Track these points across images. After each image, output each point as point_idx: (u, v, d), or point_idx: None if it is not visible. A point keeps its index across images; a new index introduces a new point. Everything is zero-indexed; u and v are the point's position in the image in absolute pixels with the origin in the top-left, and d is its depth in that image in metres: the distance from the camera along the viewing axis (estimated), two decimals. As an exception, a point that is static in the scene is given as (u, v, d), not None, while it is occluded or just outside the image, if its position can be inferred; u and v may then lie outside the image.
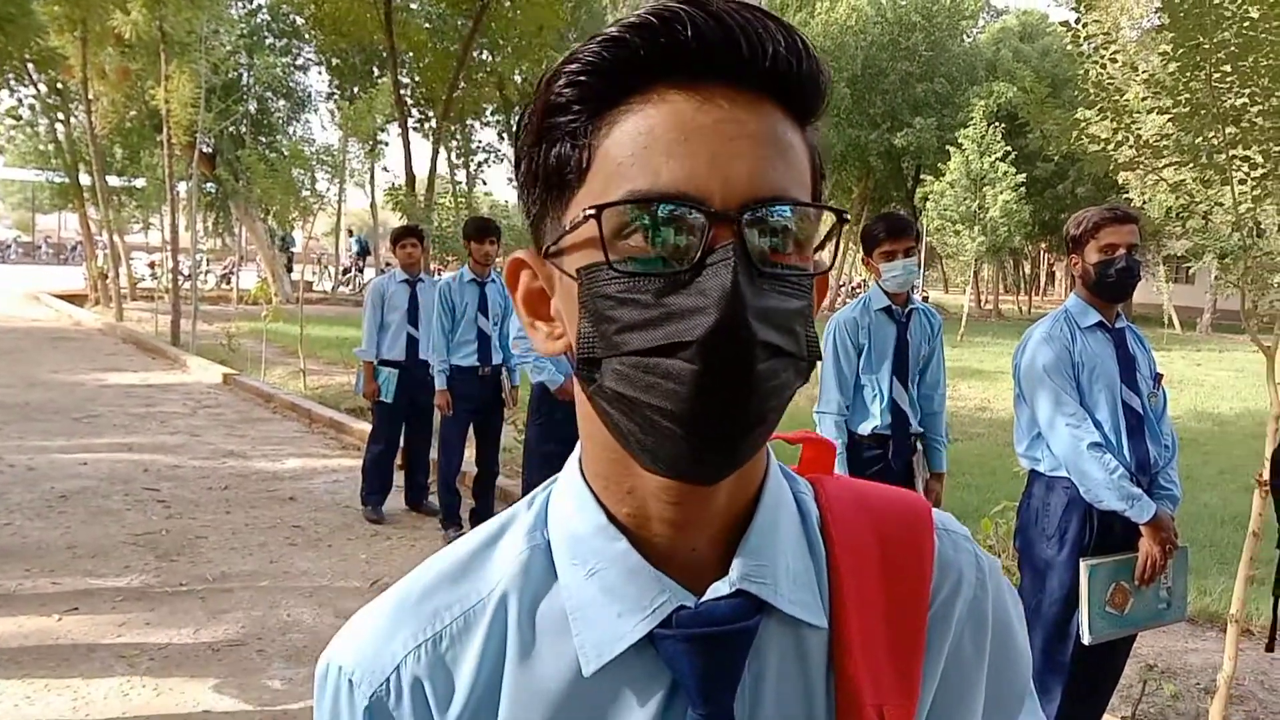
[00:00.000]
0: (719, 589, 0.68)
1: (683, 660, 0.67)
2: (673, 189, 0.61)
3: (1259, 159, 3.53)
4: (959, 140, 25.79)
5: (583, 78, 0.65)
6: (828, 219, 0.72)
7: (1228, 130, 3.54)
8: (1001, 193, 24.88)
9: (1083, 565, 3.06)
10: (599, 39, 0.64)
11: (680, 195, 0.61)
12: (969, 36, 36.23)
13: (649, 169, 0.62)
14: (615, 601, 0.68)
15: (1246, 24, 3.35)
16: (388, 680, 0.71)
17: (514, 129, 0.73)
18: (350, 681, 0.73)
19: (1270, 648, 3.17)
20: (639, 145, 0.63)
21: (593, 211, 0.62)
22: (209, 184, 25.34)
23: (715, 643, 0.67)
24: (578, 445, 0.75)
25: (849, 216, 0.69)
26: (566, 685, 0.69)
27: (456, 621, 0.72)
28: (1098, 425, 3.14)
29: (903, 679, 0.72)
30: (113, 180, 22.76)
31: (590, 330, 0.64)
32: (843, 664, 0.71)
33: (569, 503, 0.73)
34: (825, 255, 0.76)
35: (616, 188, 0.63)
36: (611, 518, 0.71)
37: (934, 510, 0.80)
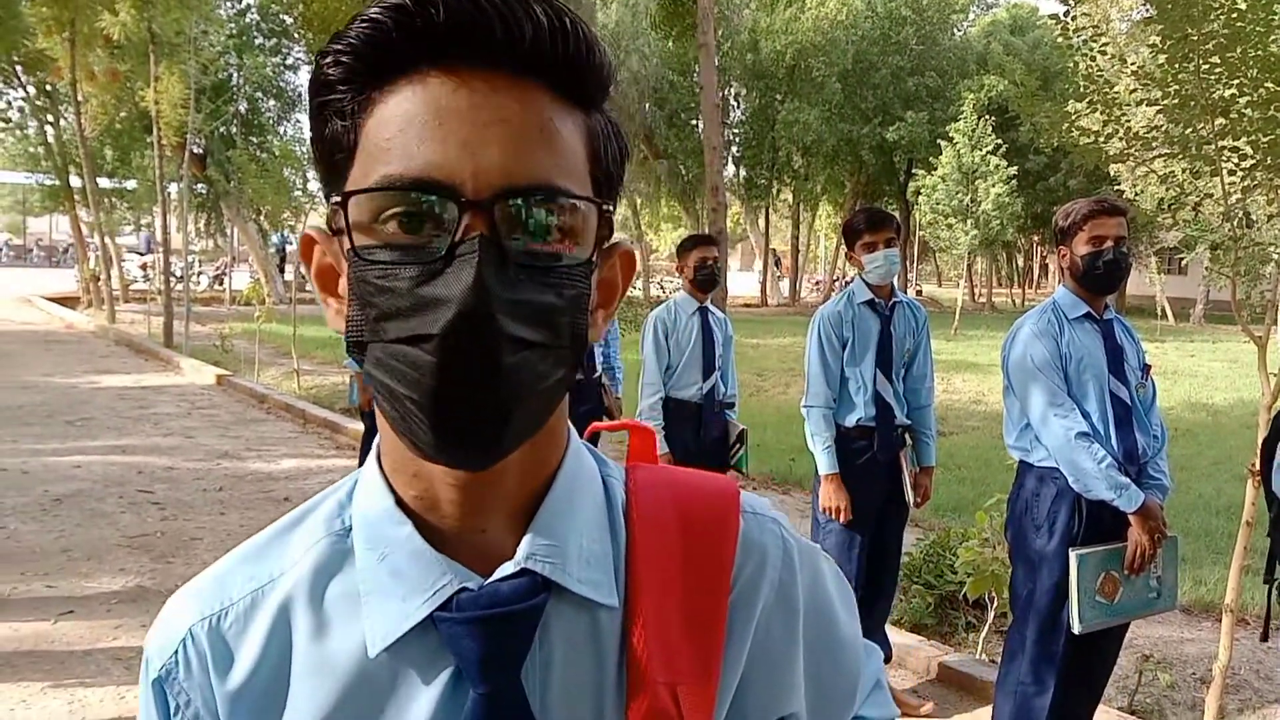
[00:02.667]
0: (505, 569, 0.69)
1: (462, 641, 0.67)
2: (424, 175, 0.61)
3: (1248, 150, 3.55)
4: (950, 134, 25.78)
5: (345, 58, 0.64)
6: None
7: (1217, 121, 3.55)
8: (993, 186, 24.90)
9: (1072, 555, 3.07)
10: (361, 18, 0.64)
11: (431, 182, 0.61)
12: (959, 30, 36.21)
13: (404, 153, 0.62)
14: (401, 584, 0.69)
15: (1234, 15, 3.36)
16: (175, 653, 0.73)
17: None
18: (147, 660, 0.76)
19: (1265, 637, 3.19)
20: (396, 128, 0.63)
21: (339, 199, 0.63)
22: (200, 185, 25.28)
23: (495, 623, 0.67)
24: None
25: (611, 209, 0.68)
26: (354, 665, 0.69)
27: (244, 600, 0.73)
28: (1086, 416, 3.15)
29: (701, 659, 0.72)
30: (103, 182, 22.70)
31: (357, 314, 0.65)
32: (633, 642, 0.71)
33: (365, 487, 0.74)
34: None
35: (375, 171, 0.63)
36: (401, 501, 0.71)
37: (744, 494, 0.80)
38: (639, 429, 0.88)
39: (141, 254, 28.77)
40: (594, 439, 0.85)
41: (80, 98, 18.47)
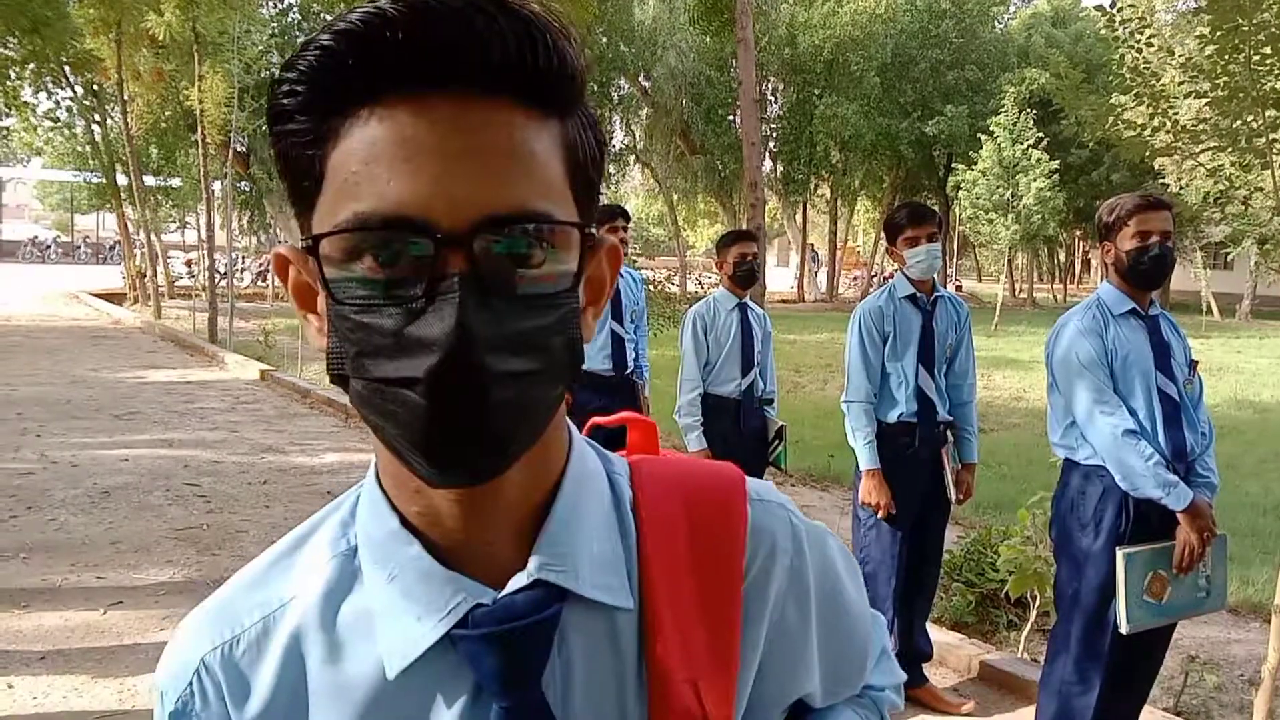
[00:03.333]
0: (517, 581, 0.68)
1: (481, 657, 0.67)
2: (396, 212, 0.59)
3: (1299, 142, 3.49)
4: (991, 128, 25.53)
5: (300, 87, 0.61)
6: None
7: (1268, 113, 3.49)
8: (1035, 180, 24.62)
9: (1119, 553, 3.03)
10: (313, 46, 0.61)
11: (405, 219, 0.58)
12: (1000, 23, 35.82)
13: (374, 189, 0.59)
14: (413, 604, 0.68)
15: (1286, 5, 3.31)
16: (189, 685, 0.72)
17: None
18: (161, 693, 0.75)
19: None
20: (363, 162, 0.60)
21: (309, 242, 0.62)
22: (243, 182, 25.60)
23: (512, 637, 0.66)
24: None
25: (594, 231, 0.66)
26: (373, 688, 0.69)
27: (255, 626, 0.72)
28: (1132, 413, 3.11)
29: (718, 652, 0.72)
30: (149, 180, 23.06)
31: (336, 347, 0.63)
32: (651, 642, 0.71)
33: (367, 506, 0.73)
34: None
35: (344, 206, 0.60)
36: (405, 520, 0.70)
37: (749, 480, 0.79)
38: (638, 422, 0.87)
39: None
40: (594, 434, 0.84)
41: (126, 97, 18.80)
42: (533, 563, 0.68)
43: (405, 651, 0.68)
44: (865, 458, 3.90)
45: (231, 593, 0.75)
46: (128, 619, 4.73)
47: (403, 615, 0.68)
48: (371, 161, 0.59)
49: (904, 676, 0.94)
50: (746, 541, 0.75)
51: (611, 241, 0.72)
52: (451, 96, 0.60)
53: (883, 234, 4.11)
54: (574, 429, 0.76)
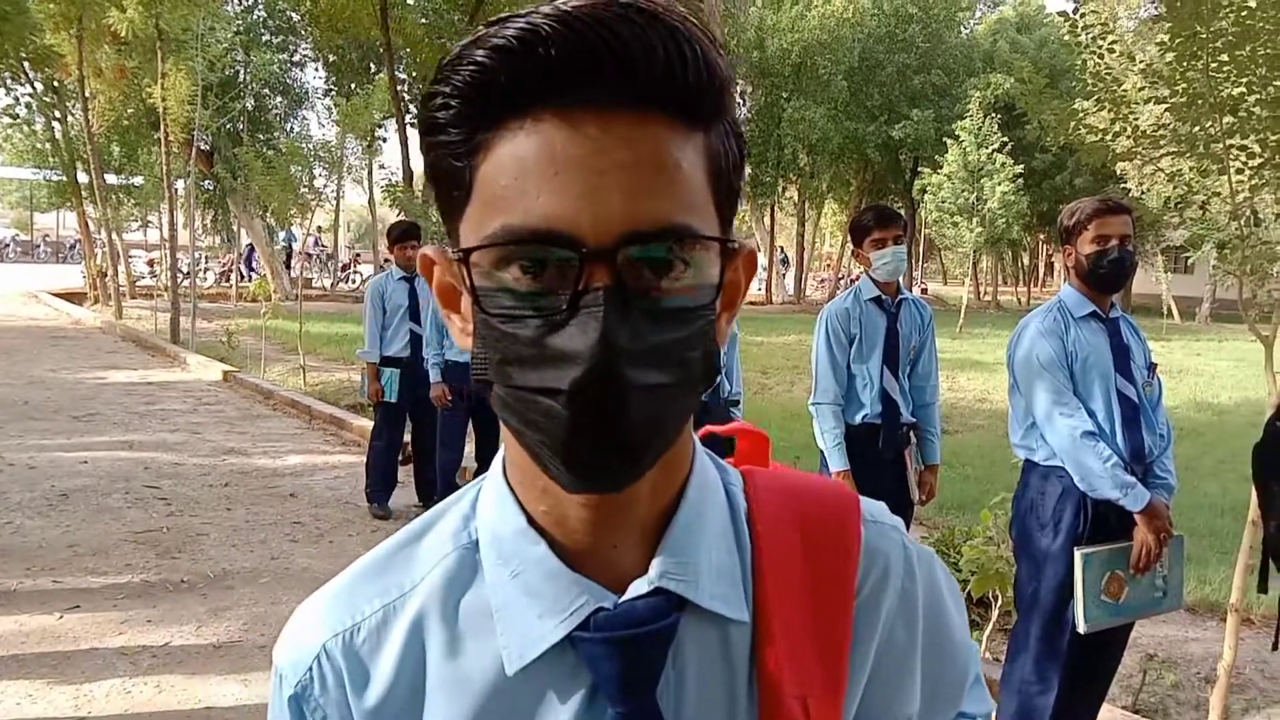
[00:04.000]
0: (638, 588, 0.69)
1: (601, 661, 0.68)
2: (544, 226, 0.60)
3: (1256, 148, 3.54)
4: (956, 132, 25.75)
5: (454, 101, 0.63)
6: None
7: (1225, 120, 3.54)
8: (999, 184, 24.86)
9: (1077, 554, 3.07)
10: (466, 61, 0.62)
11: (552, 233, 0.60)
12: (966, 28, 36.17)
13: (522, 202, 0.61)
14: (536, 603, 0.69)
15: (1244, 13, 3.36)
16: (309, 670, 0.74)
17: None
18: (280, 676, 0.76)
19: (1276, 646, 3.16)
20: (512, 175, 0.61)
21: (460, 255, 0.63)
22: (207, 181, 25.32)
23: (632, 643, 0.67)
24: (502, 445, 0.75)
25: (736, 244, 0.67)
26: (491, 683, 0.70)
27: (375, 614, 0.73)
28: (1092, 415, 3.14)
29: (828, 669, 0.72)
30: (110, 178, 22.74)
31: (481, 354, 0.65)
32: (763, 656, 0.71)
33: (493, 503, 0.74)
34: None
35: (493, 219, 0.62)
36: (531, 519, 0.71)
37: (863, 500, 0.80)
38: (750, 432, 0.87)
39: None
40: (706, 441, 0.83)
41: (88, 94, 18.52)
42: (654, 569, 0.69)
43: (526, 649, 0.69)
44: (835, 459, 3.92)
45: (351, 580, 0.77)
46: (84, 623, 4.65)
47: (525, 612, 0.69)
48: (521, 176, 0.61)
49: (993, 705, 0.94)
50: (860, 561, 0.76)
51: (750, 247, 0.73)
52: (600, 110, 0.60)
53: (849, 236, 4.13)
54: (696, 438, 0.76)
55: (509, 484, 0.73)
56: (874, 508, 0.80)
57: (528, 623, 0.69)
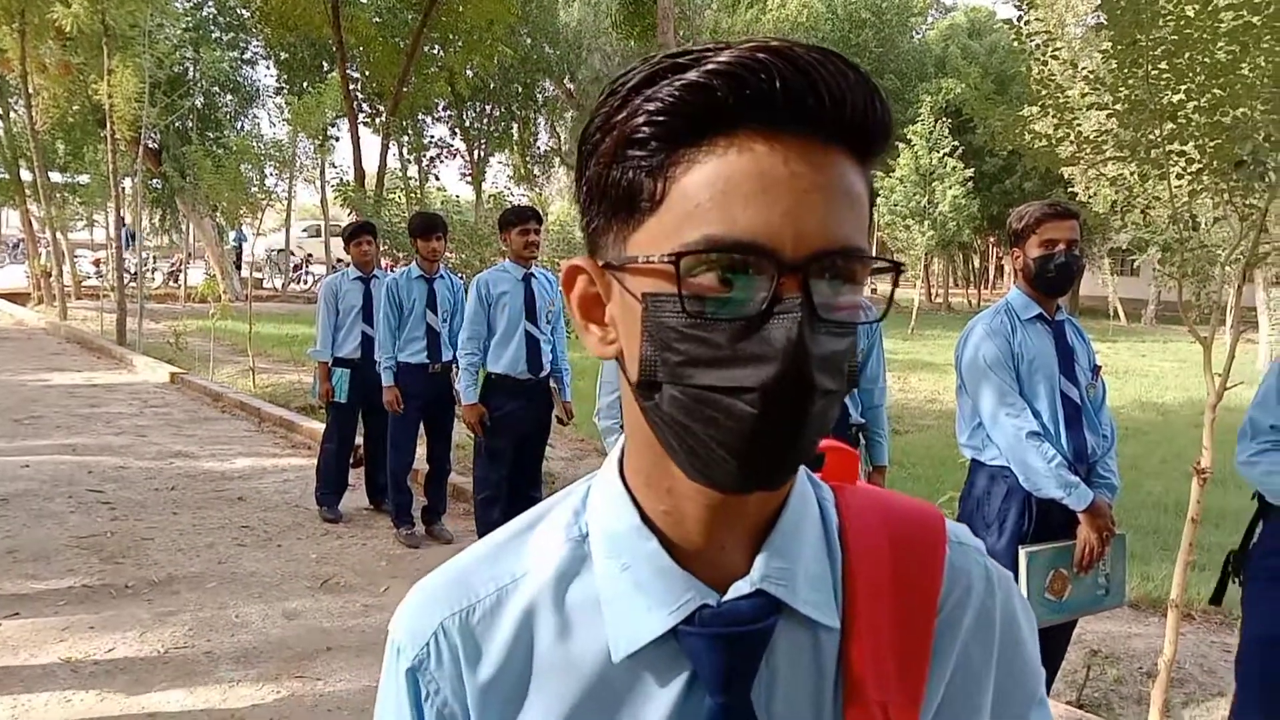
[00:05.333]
0: (740, 588, 0.73)
1: (703, 655, 0.72)
2: (748, 238, 0.64)
3: (1195, 154, 3.61)
4: (908, 136, 26.03)
5: (663, 118, 0.66)
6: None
7: (1165, 126, 3.61)
8: (950, 188, 25.16)
9: (1021, 553, 3.11)
10: (680, 83, 0.66)
11: (756, 245, 0.64)
12: (918, 33, 36.58)
13: (726, 215, 0.65)
14: (645, 596, 0.74)
15: (1182, 22, 3.42)
16: (426, 645, 0.79)
17: (579, 141, 0.75)
18: (398, 649, 0.81)
19: (1216, 600, 3.21)
20: (717, 190, 0.65)
21: (672, 258, 0.65)
22: (155, 180, 24.88)
23: (734, 640, 0.72)
24: (619, 441, 0.79)
25: (905, 267, 0.71)
26: (596, 668, 0.75)
27: (490, 597, 0.78)
28: (1036, 415, 3.19)
29: (908, 681, 0.76)
30: (55, 176, 22.25)
31: (653, 355, 0.68)
32: (850, 661, 0.75)
33: (608, 500, 0.78)
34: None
35: (693, 229, 0.65)
36: (645, 516, 0.75)
37: (948, 522, 0.84)
38: (838, 449, 0.91)
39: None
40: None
41: (31, 90, 18.11)
42: (757, 571, 0.74)
43: (632, 638, 0.73)
44: None
45: (468, 563, 0.82)
46: (24, 630, 4.55)
47: (633, 604, 0.74)
48: (726, 192, 0.65)
49: None
50: (944, 579, 0.80)
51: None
52: (802, 138, 0.66)
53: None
54: None
55: (625, 483, 0.77)
56: (958, 530, 0.85)
57: (636, 614, 0.74)
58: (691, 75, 0.65)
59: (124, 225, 25.46)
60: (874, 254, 0.69)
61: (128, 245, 25.82)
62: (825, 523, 0.80)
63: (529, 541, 0.81)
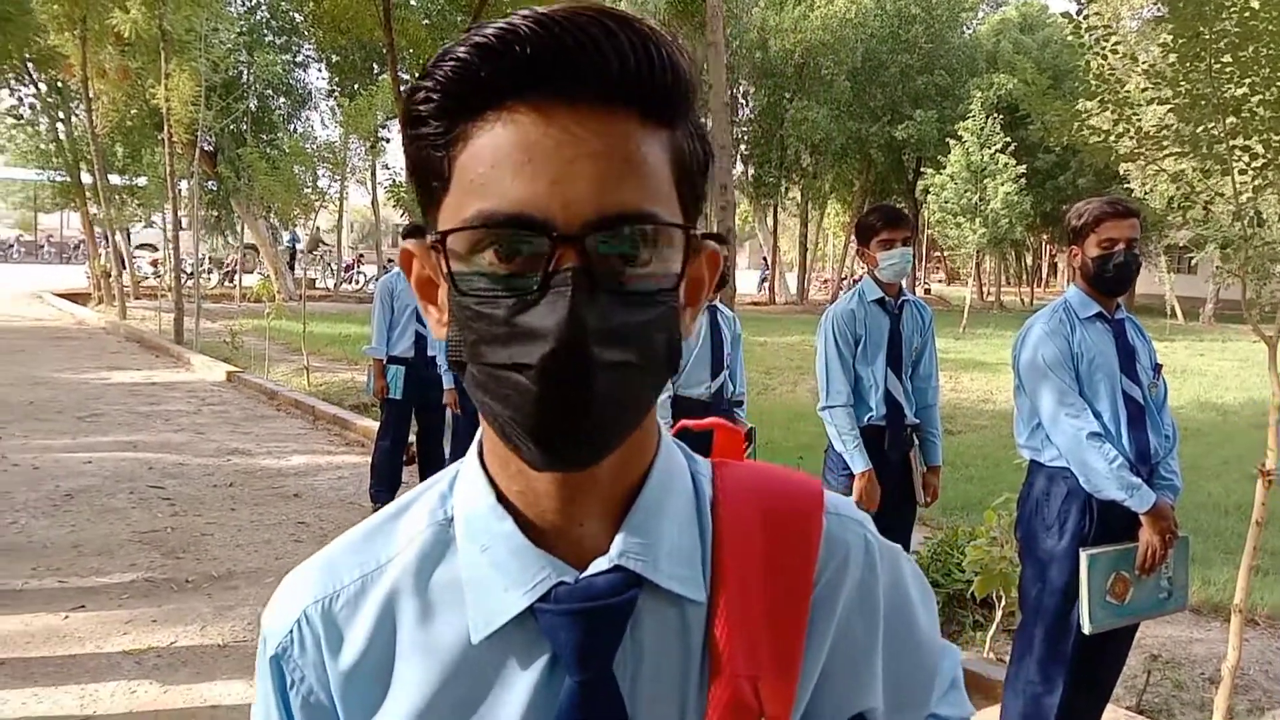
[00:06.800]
0: (599, 564, 0.73)
1: (560, 632, 0.71)
2: (516, 210, 0.63)
3: (1259, 149, 3.53)
4: (959, 132, 25.74)
5: (435, 95, 0.67)
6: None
7: (1228, 120, 3.54)
8: (1002, 184, 24.86)
9: (1082, 555, 3.07)
10: (449, 56, 0.66)
11: (524, 218, 0.63)
12: (969, 28, 36.12)
13: (497, 189, 0.64)
14: (502, 576, 0.73)
15: (1247, 14, 3.35)
16: (290, 633, 0.78)
17: None
18: (264, 637, 0.81)
19: None
20: (488, 164, 0.65)
21: (438, 237, 0.67)
22: (210, 182, 25.35)
23: (590, 616, 0.71)
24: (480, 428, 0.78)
25: (697, 232, 0.70)
26: (457, 651, 0.74)
27: (355, 584, 0.78)
28: (1097, 416, 3.14)
29: (781, 654, 0.75)
30: (114, 179, 22.77)
31: (456, 335, 0.69)
32: (715, 636, 0.74)
33: (468, 482, 0.78)
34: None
35: (469, 205, 0.65)
36: (502, 497, 0.75)
37: (827, 493, 0.82)
38: (725, 428, 0.91)
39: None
40: (681, 435, 0.87)
41: (91, 95, 18.56)
42: (615, 548, 0.73)
43: (490, 619, 0.73)
44: (857, 461, 3.86)
45: (337, 551, 0.81)
46: (90, 623, 4.66)
47: (491, 585, 0.73)
48: (497, 164, 0.65)
49: (973, 711, 0.95)
50: (820, 551, 0.78)
51: (713, 249, 0.76)
52: (573, 104, 0.64)
53: (854, 236, 4.12)
54: (664, 428, 0.80)
55: (483, 464, 0.77)
56: (839, 501, 0.83)
57: (493, 594, 0.73)
58: (459, 51, 0.65)
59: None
60: (671, 220, 0.67)
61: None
62: (699, 497, 0.79)
63: (398, 527, 0.80)
